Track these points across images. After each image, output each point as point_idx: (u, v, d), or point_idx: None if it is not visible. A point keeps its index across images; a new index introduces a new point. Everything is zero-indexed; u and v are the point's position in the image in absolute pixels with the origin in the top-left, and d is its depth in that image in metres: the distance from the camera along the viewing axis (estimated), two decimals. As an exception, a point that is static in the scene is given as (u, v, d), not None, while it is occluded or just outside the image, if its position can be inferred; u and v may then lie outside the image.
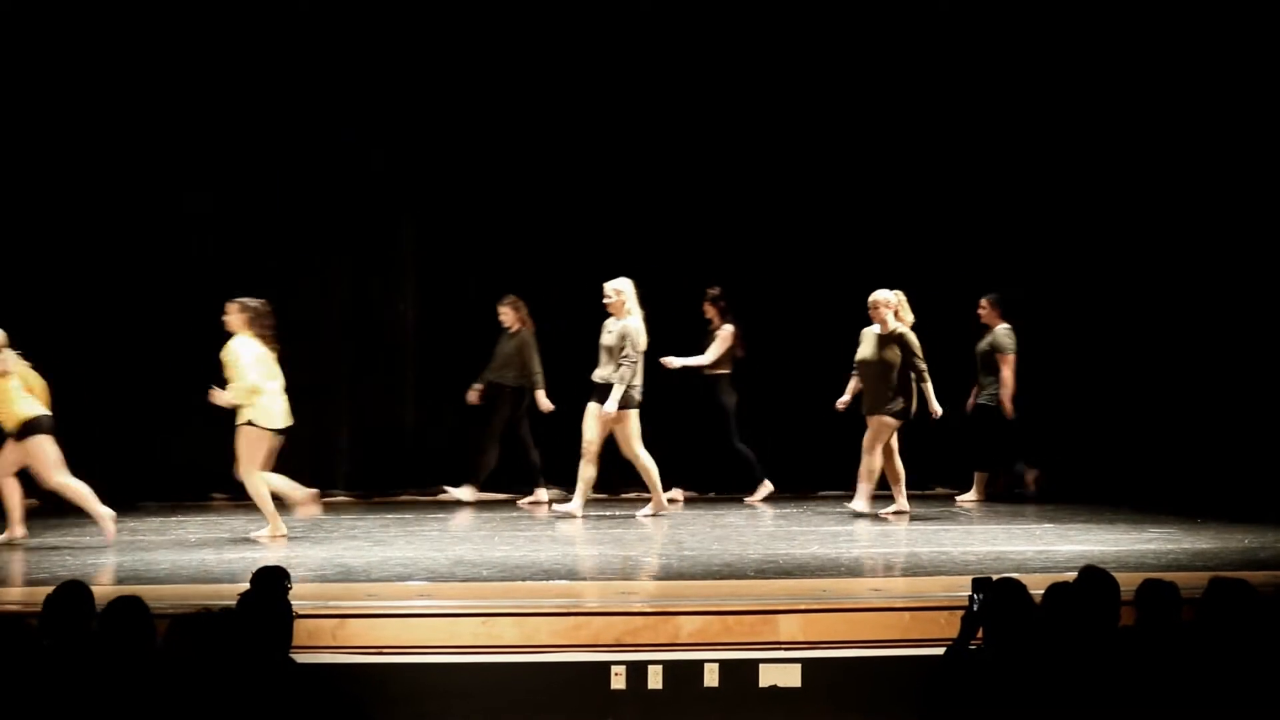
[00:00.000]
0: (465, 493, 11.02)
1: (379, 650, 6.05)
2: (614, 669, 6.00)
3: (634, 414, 9.72)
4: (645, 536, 9.04)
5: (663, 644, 6.12)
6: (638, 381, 9.75)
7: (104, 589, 5.46)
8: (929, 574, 7.40)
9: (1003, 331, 10.91)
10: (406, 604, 6.44)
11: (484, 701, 5.95)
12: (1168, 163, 11.47)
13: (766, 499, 10.91)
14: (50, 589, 5.19)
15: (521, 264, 11.56)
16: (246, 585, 5.42)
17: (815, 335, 11.17)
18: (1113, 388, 11.53)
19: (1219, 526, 9.14)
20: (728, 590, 6.99)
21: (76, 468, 11.25)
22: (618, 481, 11.03)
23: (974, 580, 5.24)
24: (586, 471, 9.87)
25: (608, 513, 10.49)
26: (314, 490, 9.43)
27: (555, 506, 10.10)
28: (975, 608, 5.21)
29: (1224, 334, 11.26)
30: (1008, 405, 10.74)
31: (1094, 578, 5.36)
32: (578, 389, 10.16)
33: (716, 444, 10.98)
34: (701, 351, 10.94)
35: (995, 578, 5.30)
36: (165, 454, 11.59)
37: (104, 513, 8.77)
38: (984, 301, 11.02)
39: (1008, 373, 10.79)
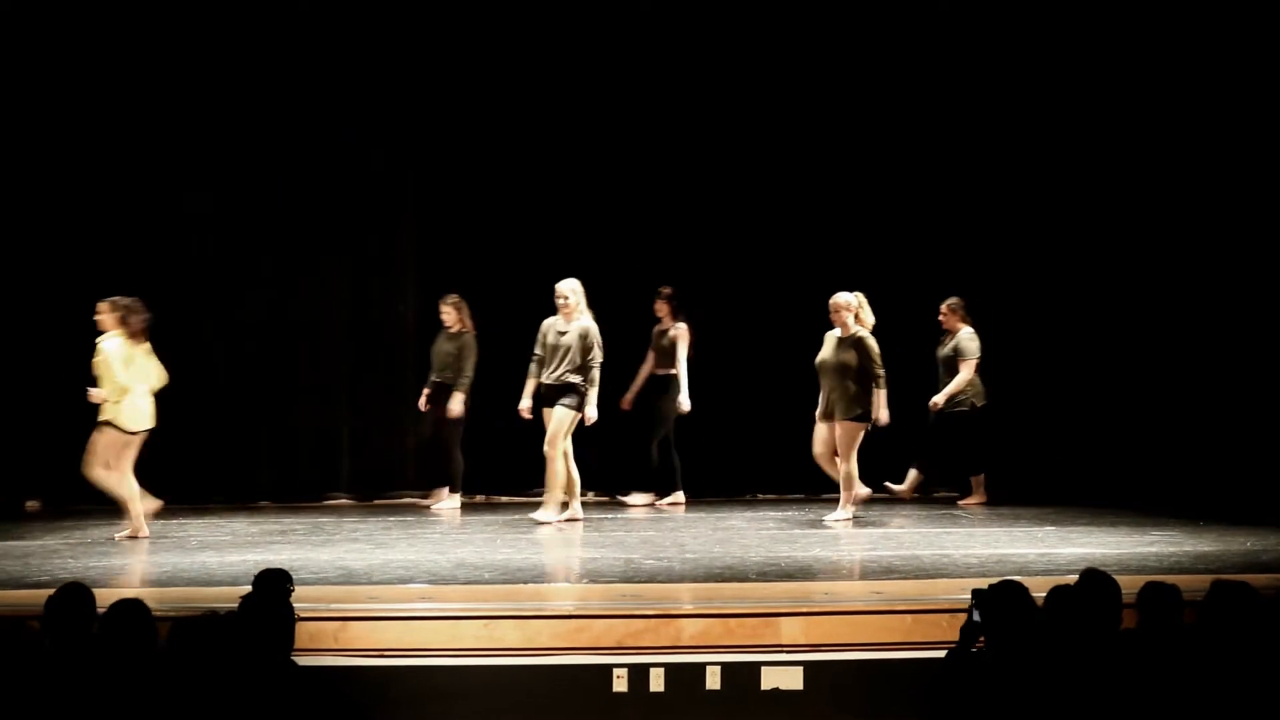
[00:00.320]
0: (448, 500, 10.97)
1: (381, 653, 6.04)
2: (616, 671, 5.99)
3: (577, 417, 9.68)
4: (647, 540, 9.03)
5: (664, 646, 6.11)
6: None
7: (105, 591, 5.44)
8: (931, 577, 7.39)
9: (966, 335, 10.88)
10: (408, 606, 6.43)
11: (486, 704, 5.94)
12: (1160, 160, 11.46)
13: (670, 505, 10.87)
14: (51, 592, 5.20)
15: (521, 264, 11.56)
16: (248, 588, 5.42)
17: (812, 334, 11.17)
18: (1114, 390, 11.52)
19: (1221, 529, 9.13)
20: (729, 593, 6.98)
21: (73, 469, 11.31)
22: (621, 484, 11.06)
23: (973, 592, 5.24)
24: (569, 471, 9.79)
25: (608, 515, 10.50)
26: (159, 501, 9.60)
27: (532, 515, 9.97)
28: (974, 618, 5.21)
29: (1225, 335, 11.24)
30: (941, 400, 10.73)
31: (1095, 580, 5.36)
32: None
33: (640, 442, 10.94)
34: (645, 352, 10.98)
35: (995, 580, 5.31)
36: (165, 456, 11.58)
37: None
38: (945, 306, 10.98)
39: (965, 375, 10.77)
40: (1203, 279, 11.37)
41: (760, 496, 10.81)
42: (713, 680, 6.02)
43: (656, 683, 5.98)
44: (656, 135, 11.72)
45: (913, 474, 11.06)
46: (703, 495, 11.44)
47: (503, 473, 11.32)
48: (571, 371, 9.67)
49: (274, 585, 5.40)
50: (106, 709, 4.88)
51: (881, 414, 9.71)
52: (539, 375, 9.80)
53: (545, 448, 9.68)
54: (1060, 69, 11.58)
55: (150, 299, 11.40)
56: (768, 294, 11.62)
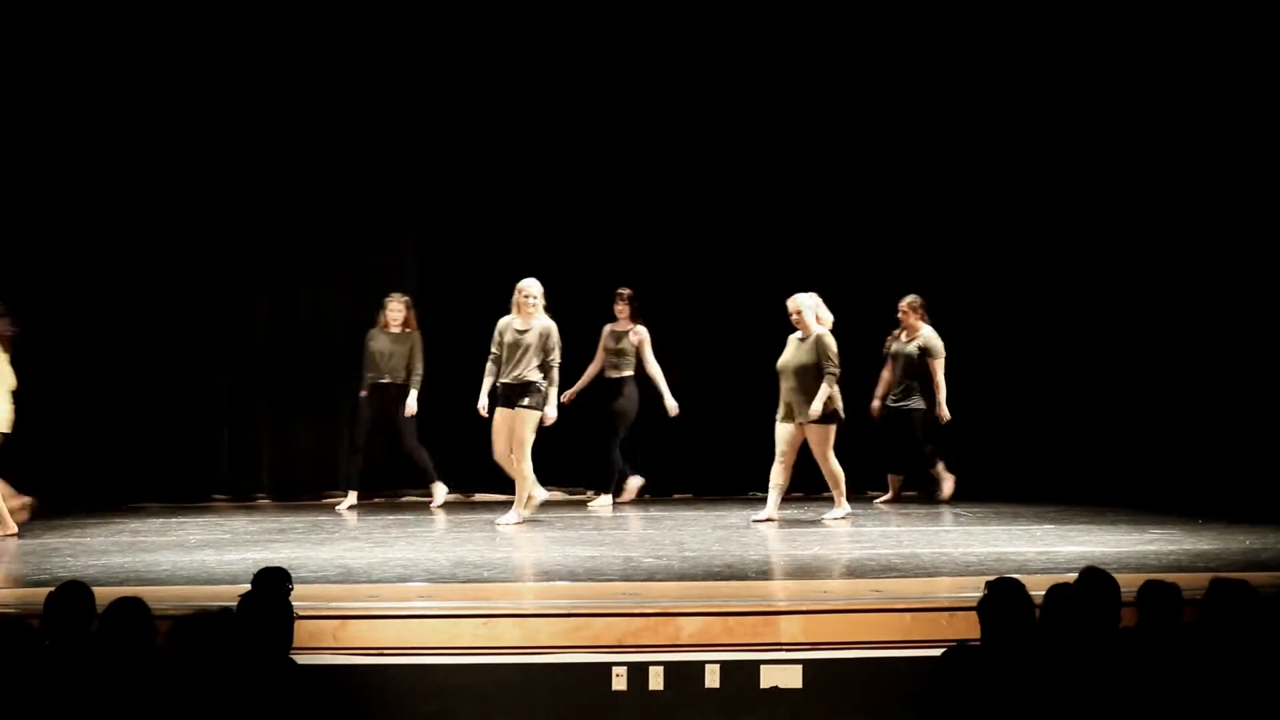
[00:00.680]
0: (438, 493, 10.96)
1: (380, 651, 6.04)
2: (615, 670, 5.99)
3: (539, 416, 9.63)
4: (646, 538, 9.03)
5: (664, 645, 6.10)
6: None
7: (105, 590, 5.44)
8: (930, 575, 7.39)
9: (933, 334, 10.80)
10: (407, 605, 6.42)
11: (484, 702, 5.94)
12: (1159, 158, 11.51)
13: (598, 506, 10.85)
14: (50, 590, 5.20)
15: (521, 264, 11.54)
16: (247, 586, 5.42)
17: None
18: (1114, 388, 11.53)
19: (1220, 527, 9.12)
20: (729, 591, 6.97)
21: (75, 468, 11.34)
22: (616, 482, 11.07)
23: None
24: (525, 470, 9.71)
25: (608, 515, 10.51)
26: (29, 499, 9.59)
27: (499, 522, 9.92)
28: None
29: (1224, 334, 11.25)
30: (944, 410, 10.70)
31: (1095, 579, 5.36)
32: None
33: (601, 446, 10.92)
34: (592, 355, 10.97)
35: (993, 579, 5.31)
36: (165, 456, 11.60)
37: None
38: (906, 304, 10.84)
39: (941, 377, 10.72)
40: (1202, 278, 11.38)
41: (759, 495, 10.72)
42: (712, 679, 6.01)
43: (656, 681, 5.98)
44: (653, 138, 11.78)
45: (892, 479, 11.01)
46: (703, 494, 11.46)
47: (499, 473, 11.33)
48: (532, 370, 9.61)
49: (273, 584, 5.40)
50: (105, 707, 4.88)
51: (816, 409, 9.56)
52: (496, 374, 9.70)
53: (512, 451, 9.60)
54: (1048, 61, 11.61)
55: (150, 300, 11.50)
56: (767, 293, 11.61)
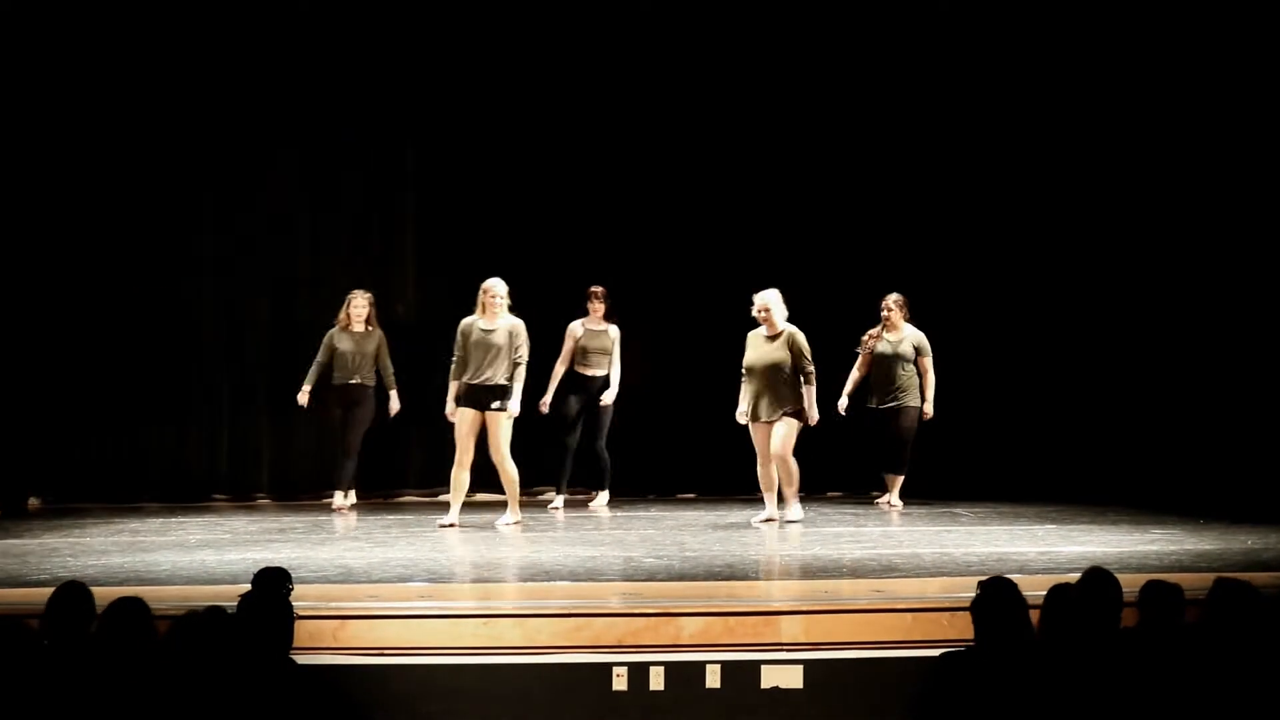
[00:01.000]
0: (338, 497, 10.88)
1: (380, 651, 6.02)
2: (615, 670, 5.97)
3: (510, 418, 9.56)
4: (646, 538, 9.01)
5: (664, 645, 6.09)
6: None
7: (105, 590, 5.43)
8: (931, 575, 7.37)
9: (920, 333, 10.76)
10: (408, 605, 6.41)
11: (485, 703, 5.92)
12: (1158, 158, 11.50)
13: (554, 508, 10.79)
14: (51, 590, 5.19)
15: (520, 264, 11.54)
16: (247, 586, 5.41)
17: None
18: (1116, 388, 11.52)
19: (1222, 527, 9.11)
20: (729, 591, 6.96)
21: (73, 468, 11.34)
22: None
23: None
24: (461, 477, 9.62)
25: (607, 514, 10.50)
26: None
27: (498, 522, 9.85)
28: None
29: (1225, 334, 11.24)
30: (931, 408, 10.69)
31: (1098, 579, 5.34)
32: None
33: (589, 446, 10.87)
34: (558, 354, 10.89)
35: (985, 578, 5.30)
36: (165, 455, 11.60)
37: None
38: (894, 301, 10.75)
39: (932, 375, 10.69)
40: (1203, 278, 11.37)
41: (759, 495, 10.71)
42: (713, 679, 6.00)
43: (656, 681, 5.97)
44: (651, 139, 11.82)
45: (890, 479, 10.91)
46: (706, 494, 11.45)
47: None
48: (502, 371, 9.52)
49: (273, 584, 5.39)
50: (105, 707, 4.87)
51: (812, 413, 9.61)
52: (460, 376, 9.58)
53: (496, 458, 9.51)
54: (1030, 59, 11.63)
55: (149, 301, 11.49)
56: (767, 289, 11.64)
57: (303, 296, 11.73)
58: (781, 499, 9.78)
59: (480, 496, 11.23)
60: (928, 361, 10.71)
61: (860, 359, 10.79)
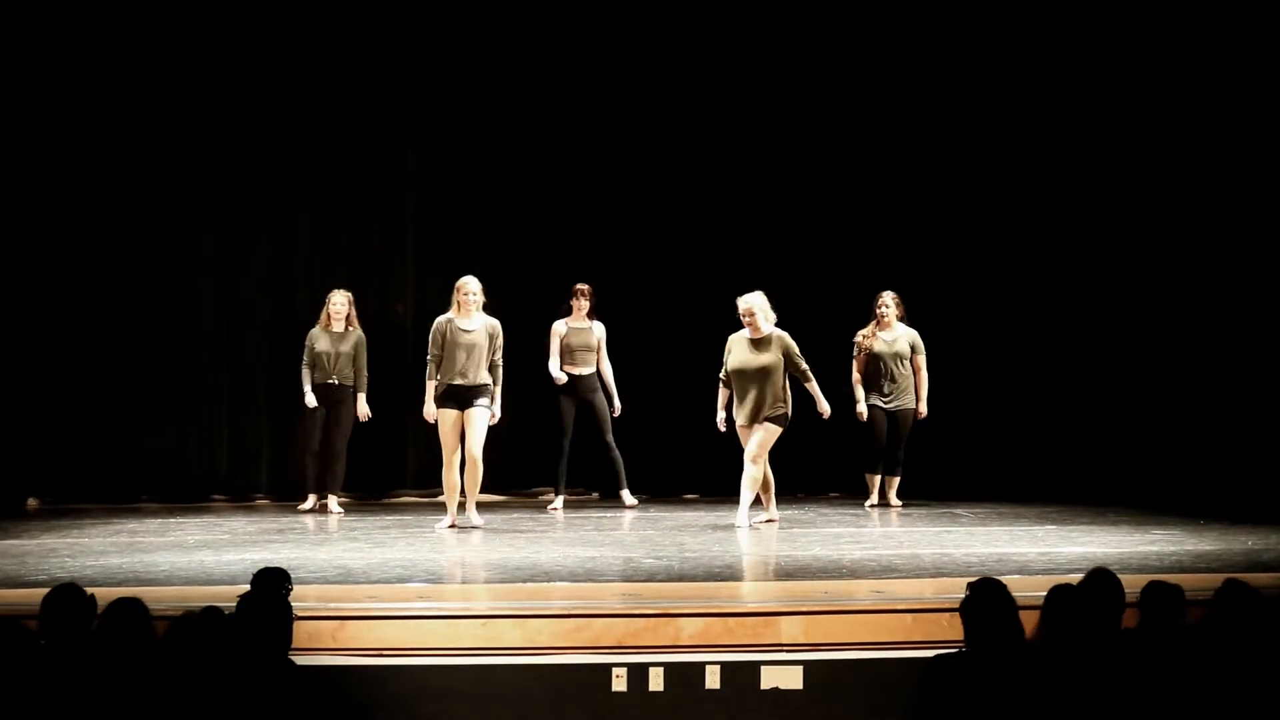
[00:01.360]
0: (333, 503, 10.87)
1: (379, 652, 6.01)
2: (615, 671, 5.96)
3: (491, 418, 9.54)
4: (646, 538, 9.00)
5: (664, 646, 6.07)
6: None
7: (103, 590, 5.42)
8: (931, 576, 7.36)
9: (912, 330, 10.70)
10: (407, 606, 6.39)
11: (484, 704, 5.91)
12: (1159, 158, 11.50)
13: (552, 509, 10.78)
14: (47, 590, 5.18)
15: (520, 265, 11.57)
16: (246, 587, 5.40)
17: (811, 333, 11.16)
18: (1117, 388, 11.52)
19: (1223, 528, 9.10)
20: (729, 592, 6.95)
21: (72, 468, 11.32)
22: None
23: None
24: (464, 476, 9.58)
25: (606, 514, 10.49)
26: None
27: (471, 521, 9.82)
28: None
29: (1226, 334, 11.24)
30: (925, 409, 10.67)
31: (1101, 580, 5.33)
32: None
33: (598, 445, 10.85)
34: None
35: (974, 579, 5.30)
36: (164, 455, 11.58)
37: None
38: (893, 299, 10.68)
39: (926, 374, 10.66)
40: (1204, 278, 11.36)
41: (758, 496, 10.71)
42: (712, 680, 5.99)
43: (656, 682, 5.95)
44: (649, 140, 11.83)
45: (888, 480, 10.87)
46: (708, 494, 11.44)
47: (500, 473, 11.30)
48: (483, 370, 9.49)
49: (272, 584, 5.38)
50: (103, 708, 4.85)
51: (823, 405, 9.51)
52: (437, 376, 9.53)
53: (474, 452, 9.44)
54: (1025, 58, 11.64)
55: (148, 301, 11.48)
56: (779, 291, 11.62)
57: (302, 296, 11.71)
58: (757, 500, 9.73)
59: (480, 497, 11.24)
60: (922, 360, 10.69)
61: (858, 360, 10.74)
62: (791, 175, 11.90)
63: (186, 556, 8.20)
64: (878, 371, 10.66)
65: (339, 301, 10.72)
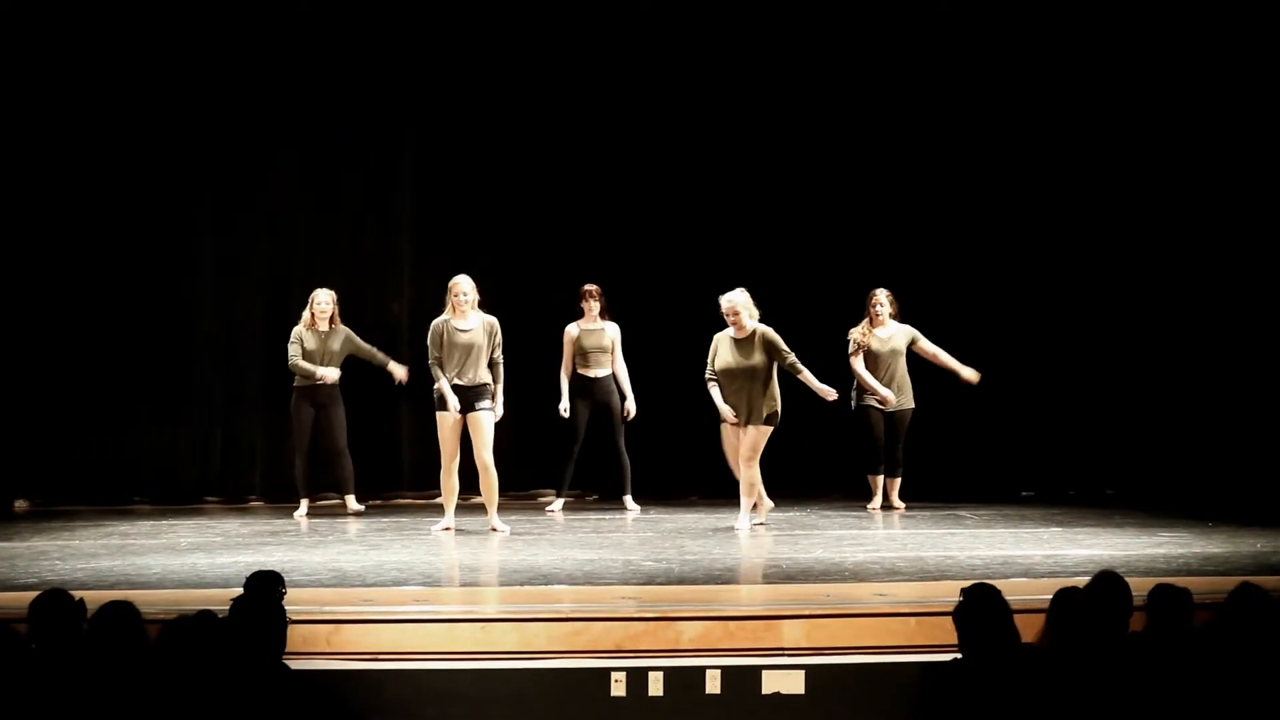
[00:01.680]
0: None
1: (375, 656, 5.96)
2: (614, 675, 5.92)
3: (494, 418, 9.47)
4: (646, 541, 8.94)
5: (664, 650, 6.02)
6: None
7: (94, 594, 5.35)
8: (934, 579, 7.29)
9: (904, 325, 10.60)
10: (403, 609, 6.35)
11: (481, 708, 5.87)
12: (1161, 158, 11.51)
13: (551, 510, 10.75)
14: (36, 594, 5.13)
15: (520, 265, 11.54)
16: (240, 590, 5.36)
17: (811, 334, 11.10)
18: (1123, 390, 11.51)
19: (1230, 530, 9.04)
20: (730, 595, 6.91)
21: (63, 470, 11.27)
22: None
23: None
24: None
25: (605, 516, 10.43)
26: None
27: (493, 527, 9.71)
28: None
29: (1233, 336, 11.24)
30: (970, 370, 10.59)
31: (1108, 583, 5.28)
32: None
33: (610, 449, 10.77)
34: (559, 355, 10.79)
35: (968, 585, 5.25)
36: (156, 457, 11.54)
37: None
38: (888, 297, 10.57)
39: (938, 349, 10.56)
40: (1211, 280, 11.37)
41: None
42: (713, 684, 5.94)
43: (656, 686, 5.91)
44: (648, 141, 11.78)
45: (890, 483, 10.78)
46: (708, 497, 11.39)
47: (498, 474, 11.25)
48: (484, 370, 9.40)
49: (266, 587, 5.36)
50: (95, 713, 4.81)
51: (824, 389, 9.33)
52: (444, 374, 9.40)
53: (485, 458, 9.37)
54: (1033, 54, 11.60)
55: (147, 301, 11.44)
56: (777, 290, 11.57)
57: (299, 297, 11.64)
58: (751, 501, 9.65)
59: (477, 500, 11.18)
60: (926, 343, 10.58)
61: (856, 356, 10.61)
62: (791, 175, 11.88)
63: (179, 559, 8.15)
64: (874, 371, 10.56)
65: (324, 300, 10.66)
